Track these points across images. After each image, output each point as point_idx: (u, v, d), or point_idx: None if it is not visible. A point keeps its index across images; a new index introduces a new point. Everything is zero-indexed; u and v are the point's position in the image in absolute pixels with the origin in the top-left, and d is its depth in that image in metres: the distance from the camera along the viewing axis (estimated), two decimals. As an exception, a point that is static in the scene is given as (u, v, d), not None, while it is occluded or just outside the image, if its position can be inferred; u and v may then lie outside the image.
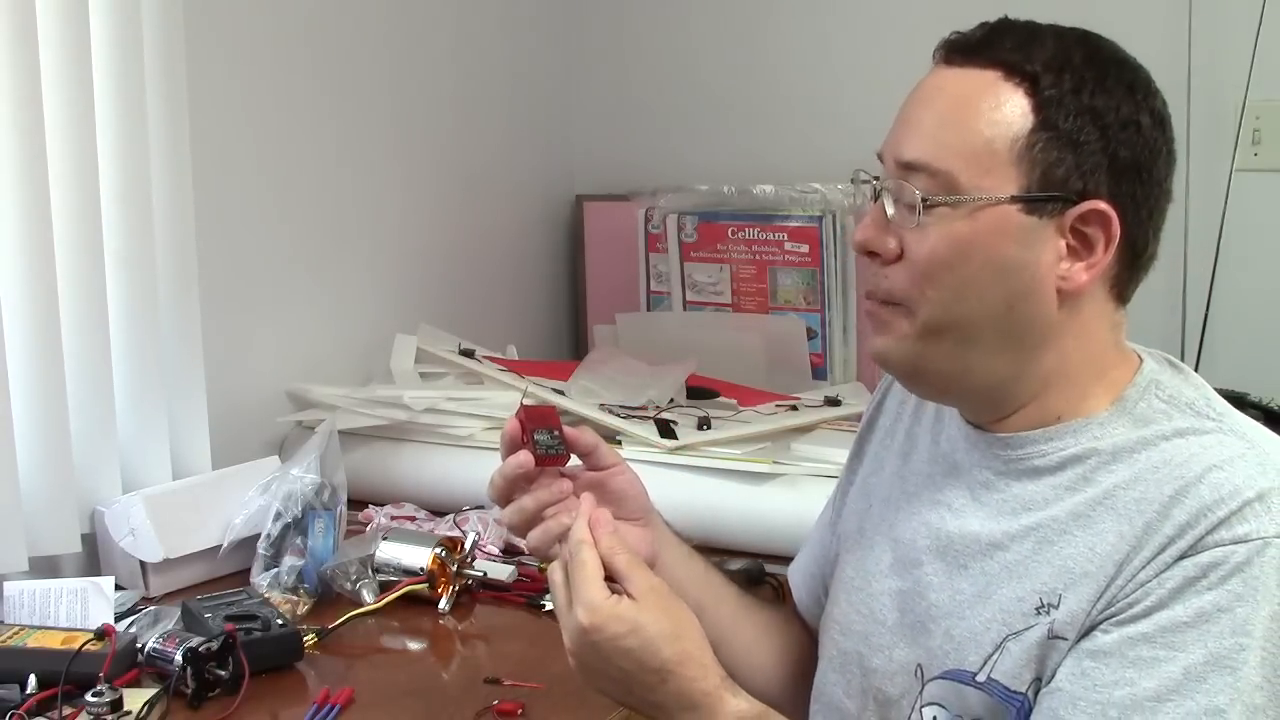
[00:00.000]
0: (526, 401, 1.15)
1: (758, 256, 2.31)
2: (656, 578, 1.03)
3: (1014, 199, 0.95)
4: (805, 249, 2.26)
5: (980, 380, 1.00)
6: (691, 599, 1.07)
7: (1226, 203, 2.08)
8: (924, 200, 0.96)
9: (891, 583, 1.08)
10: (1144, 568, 0.91)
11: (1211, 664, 0.88)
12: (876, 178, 1.01)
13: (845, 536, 1.18)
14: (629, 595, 1.00)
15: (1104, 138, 0.95)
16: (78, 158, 1.61)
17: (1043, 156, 0.95)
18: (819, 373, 2.27)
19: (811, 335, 2.28)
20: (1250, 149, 2.12)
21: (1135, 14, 2.12)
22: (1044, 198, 0.95)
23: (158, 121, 1.72)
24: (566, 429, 1.13)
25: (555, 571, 1.04)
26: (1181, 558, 0.90)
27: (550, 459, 1.11)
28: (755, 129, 2.51)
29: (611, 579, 1.01)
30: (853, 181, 1.05)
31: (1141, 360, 1.03)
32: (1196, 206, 2.10)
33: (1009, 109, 0.95)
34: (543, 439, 1.10)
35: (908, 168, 0.98)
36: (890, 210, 0.99)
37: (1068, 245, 0.96)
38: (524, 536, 1.13)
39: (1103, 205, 0.95)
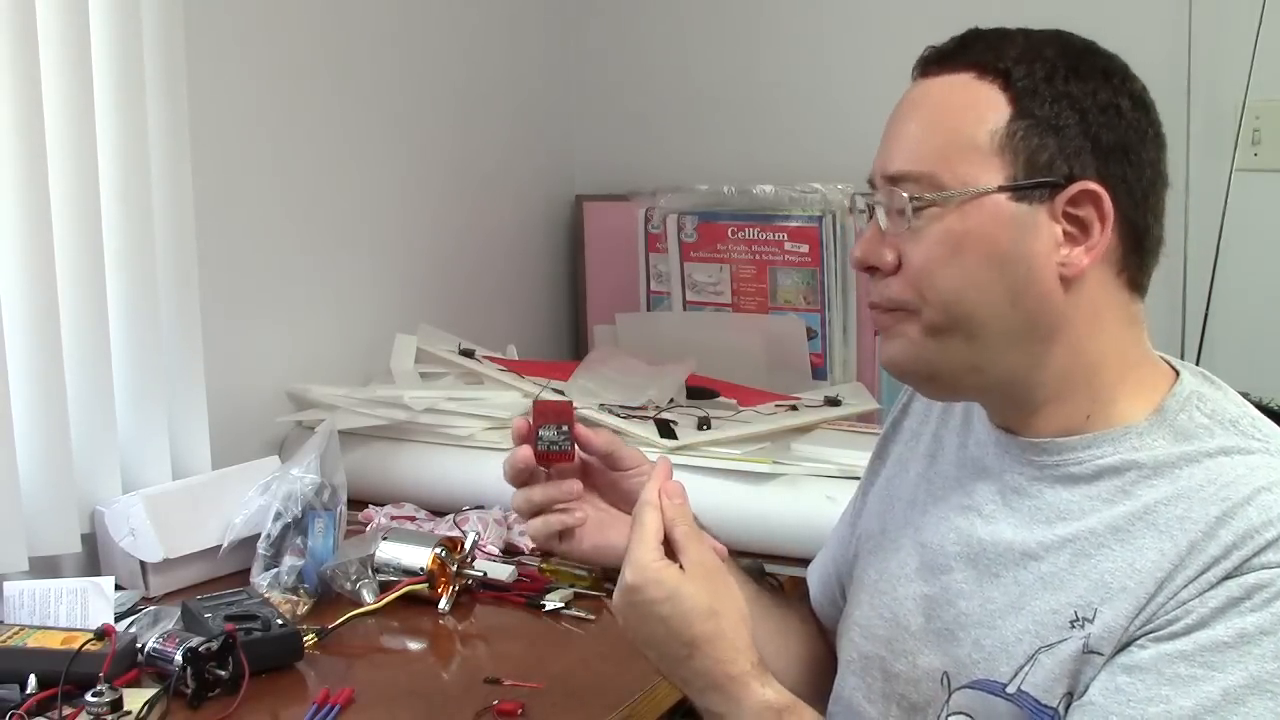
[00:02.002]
0: (543, 396, 1.15)
1: (758, 256, 2.31)
2: (712, 556, 1.02)
3: (1001, 188, 0.95)
4: (805, 249, 2.26)
5: (994, 377, 0.99)
6: None
7: (1226, 203, 2.08)
8: (913, 201, 0.96)
9: (917, 587, 1.06)
10: (1186, 586, 0.90)
11: (1252, 687, 0.87)
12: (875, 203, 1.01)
13: (866, 537, 1.17)
14: (679, 566, 1.00)
15: (1084, 121, 0.95)
16: (78, 158, 1.61)
17: (1024, 144, 0.95)
18: (819, 373, 2.28)
19: (811, 335, 2.28)
20: (1250, 149, 2.12)
21: (1135, 15, 2.12)
22: (1031, 185, 0.95)
23: (158, 121, 1.72)
24: (583, 429, 1.13)
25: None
26: (1226, 578, 0.89)
27: (552, 455, 1.12)
28: (755, 129, 2.51)
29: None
30: (850, 211, 1.05)
31: (1178, 372, 1.01)
32: (1196, 206, 2.10)
33: (985, 104, 0.96)
34: (547, 435, 1.11)
35: (894, 180, 0.98)
36: (884, 222, 0.99)
37: (1064, 231, 0.96)
38: (527, 521, 1.14)
39: (1092, 185, 0.95)
